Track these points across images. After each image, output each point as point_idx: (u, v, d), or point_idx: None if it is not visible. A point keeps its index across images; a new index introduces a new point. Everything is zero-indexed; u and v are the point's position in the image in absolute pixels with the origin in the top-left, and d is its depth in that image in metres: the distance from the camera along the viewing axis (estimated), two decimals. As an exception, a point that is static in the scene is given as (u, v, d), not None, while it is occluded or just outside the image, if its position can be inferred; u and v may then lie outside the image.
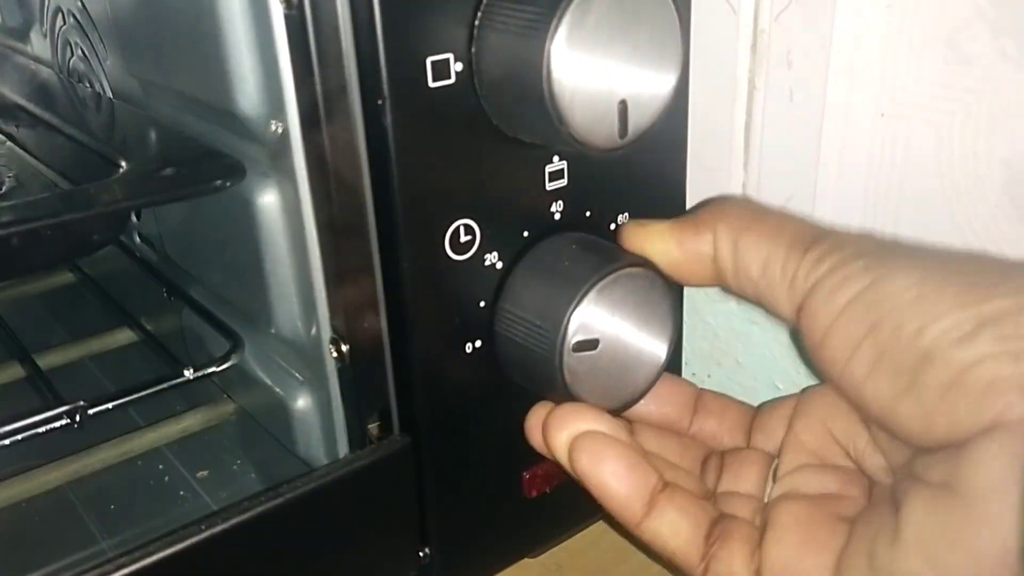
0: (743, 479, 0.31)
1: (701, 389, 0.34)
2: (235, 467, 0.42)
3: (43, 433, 0.30)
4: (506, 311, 0.31)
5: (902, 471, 0.27)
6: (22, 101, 0.42)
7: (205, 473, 0.41)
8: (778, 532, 0.28)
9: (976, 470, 0.23)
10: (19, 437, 0.29)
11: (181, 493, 0.41)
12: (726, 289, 0.31)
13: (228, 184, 0.28)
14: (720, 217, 0.30)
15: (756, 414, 0.33)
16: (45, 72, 0.47)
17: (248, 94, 0.28)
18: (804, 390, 0.32)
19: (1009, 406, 0.23)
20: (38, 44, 0.48)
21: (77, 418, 0.30)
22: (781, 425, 0.32)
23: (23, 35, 0.49)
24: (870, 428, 0.29)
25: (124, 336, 0.47)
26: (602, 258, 0.30)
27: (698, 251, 0.30)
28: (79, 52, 0.41)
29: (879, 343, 0.25)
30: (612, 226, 0.33)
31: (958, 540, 0.23)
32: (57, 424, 0.30)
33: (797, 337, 0.32)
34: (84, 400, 0.31)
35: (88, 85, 0.42)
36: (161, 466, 0.42)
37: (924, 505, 0.25)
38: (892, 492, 0.27)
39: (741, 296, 0.30)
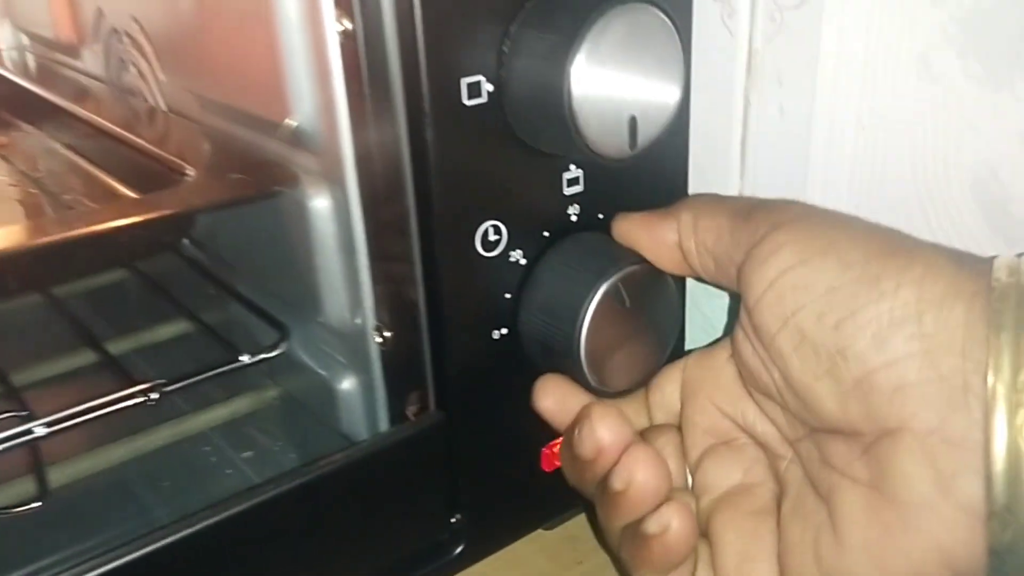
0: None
1: None
2: (276, 448, 0.43)
3: (120, 409, 0.33)
4: (529, 303, 0.33)
5: (806, 449, 0.28)
6: (81, 113, 0.45)
7: (249, 453, 0.43)
8: (719, 554, 0.29)
9: (904, 483, 0.24)
10: (101, 412, 0.32)
11: (228, 472, 0.43)
12: (700, 279, 0.32)
13: (285, 190, 0.31)
14: (684, 206, 0.32)
15: (647, 391, 0.34)
16: (98, 86, 0.49)
17: (306, 111, 0.31)
18: (688, 356, 0.33)
19: (916, 415, 0.24)
20: (90, 60, 0.50)
21: (156, 395, 0.33)
22: (673, 396, 0.33)
23: (75, 51, 0.52)
24: (756, 398, 0.30)
25: (168, 330, 0.48)
26: (612, 256, 0.33)
27: (664, 238, 0.32)
28: (133, 69, 0.44)
29: (803, 326, 0.26)
30: (623, 227, 0.35)
31: (899, 545, 0.24)
32: (135, 401, 0.33)
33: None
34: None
35: (143, 99, 0.45)
36: (207, 448, 0.44)
37: (861, 507, 0.25)
38: (809, 475, 0.28)
39: (707, 279, 0.32)
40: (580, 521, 0.42)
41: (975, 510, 0.23)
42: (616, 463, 0.29)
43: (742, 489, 0.30)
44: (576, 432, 0.30)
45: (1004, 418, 0.22)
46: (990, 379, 0.22)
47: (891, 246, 0.26)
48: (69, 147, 0.44)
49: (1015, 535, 0.22)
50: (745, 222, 0.29)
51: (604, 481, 0.29)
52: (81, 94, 0.51)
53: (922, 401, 0.24)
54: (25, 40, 0.63)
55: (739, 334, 0.29)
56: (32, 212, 0.40)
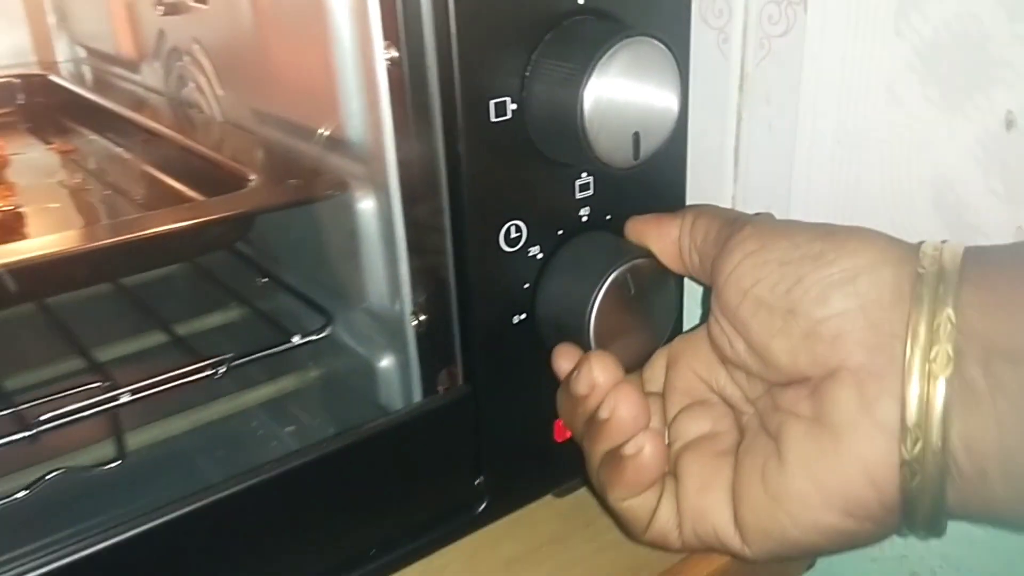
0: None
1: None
2: (315, 424, 0.48)
3: (193, 381, 0.37)
4: (545, 292, 0.37)
5: (763, 403, 0.32)
6: (143, 122, 0.50)
7: (292, 428, 0.48)
8: (682, 484, 0.33)
9: (837, 408, 0.28)
10: (176, 383, 0.36)
11: (273, 444, 0.47)
12: (689, 276, 0.36)
13: (337, 194, 0.36)
14: (690, 209, 0.36)
15: (643, 370, 0.38)
16: (156, 98, 0.54)
17: (355, 125, 0.35)
18: (673, 340, 0.37)
19: (850, 355, 0.28)
20: (149, 74, 0.54)
21: (224, 369, 0.37)
22: (661, 372, 0.37)
23: (134, 66, 0.56)
24: (726, 366, 0.34)
25: (212, 319, 0.52)
26: (617, 251, 0.36)
27: (670, 233, 0.36)
28: (192, 84, 0.49)
29: (760, 295, 0.30)
30: (627, 227, 0.39)
31: (831, 462, 0.28)
32: (205, 374, 0.37)
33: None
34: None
35: (199, 111, 0.49)
36: (255, 423, 0.49)
37: (802, 435, 0.29)
38: (763, 423, 0.32)
39: (693, 274, 0.36)
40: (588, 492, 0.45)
41: (892, 428, 0.28)
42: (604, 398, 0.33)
43: (709, 436, 0.34)
44: (575, 373, 0.34)
45: (920, 352, 0.27)
46: (911, 324, 0.27)
47: (834, 229, 0.31)
48: (132, 153, 0.48)
49: (923, 449, 0.27)
50: (729, 228, 0.34)
51: (592, 416, 0.33)
52: (139, 104, 0.55)
53: (856, 344, 0.28)
54: (81, 53, 0.68)
55: (710, 319, 0.34)
56: (110, 212, 0.44)
